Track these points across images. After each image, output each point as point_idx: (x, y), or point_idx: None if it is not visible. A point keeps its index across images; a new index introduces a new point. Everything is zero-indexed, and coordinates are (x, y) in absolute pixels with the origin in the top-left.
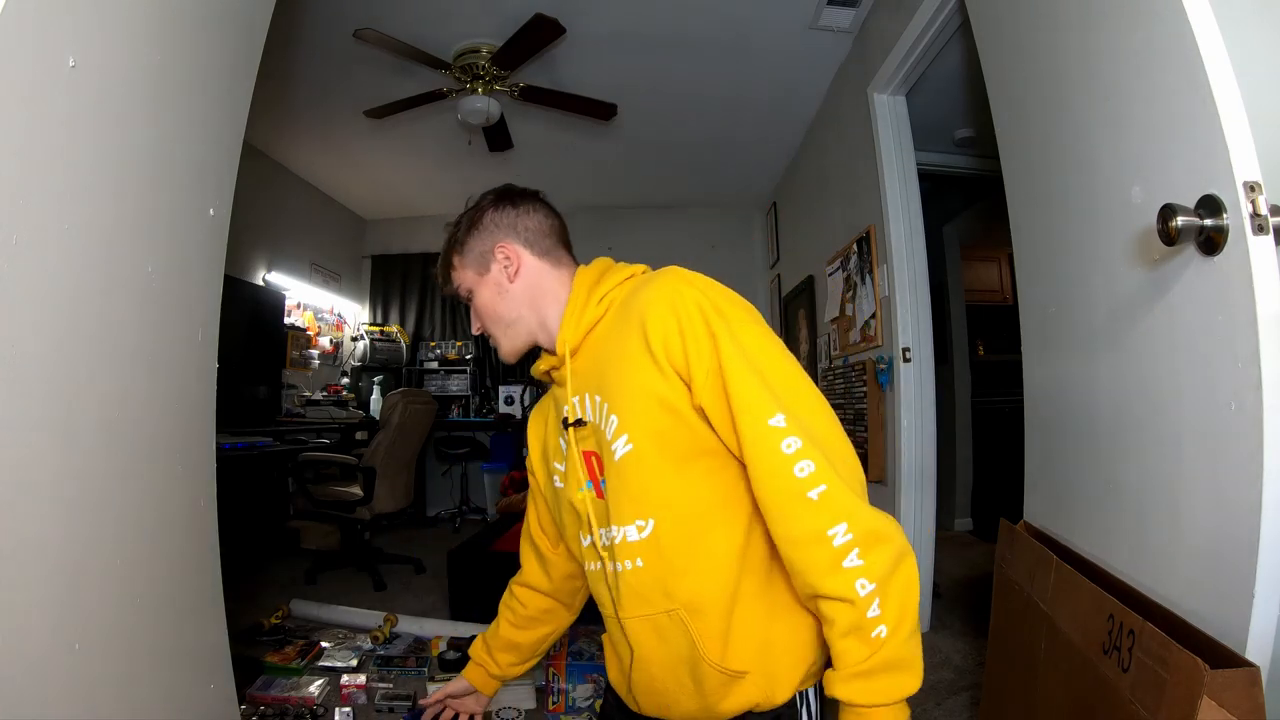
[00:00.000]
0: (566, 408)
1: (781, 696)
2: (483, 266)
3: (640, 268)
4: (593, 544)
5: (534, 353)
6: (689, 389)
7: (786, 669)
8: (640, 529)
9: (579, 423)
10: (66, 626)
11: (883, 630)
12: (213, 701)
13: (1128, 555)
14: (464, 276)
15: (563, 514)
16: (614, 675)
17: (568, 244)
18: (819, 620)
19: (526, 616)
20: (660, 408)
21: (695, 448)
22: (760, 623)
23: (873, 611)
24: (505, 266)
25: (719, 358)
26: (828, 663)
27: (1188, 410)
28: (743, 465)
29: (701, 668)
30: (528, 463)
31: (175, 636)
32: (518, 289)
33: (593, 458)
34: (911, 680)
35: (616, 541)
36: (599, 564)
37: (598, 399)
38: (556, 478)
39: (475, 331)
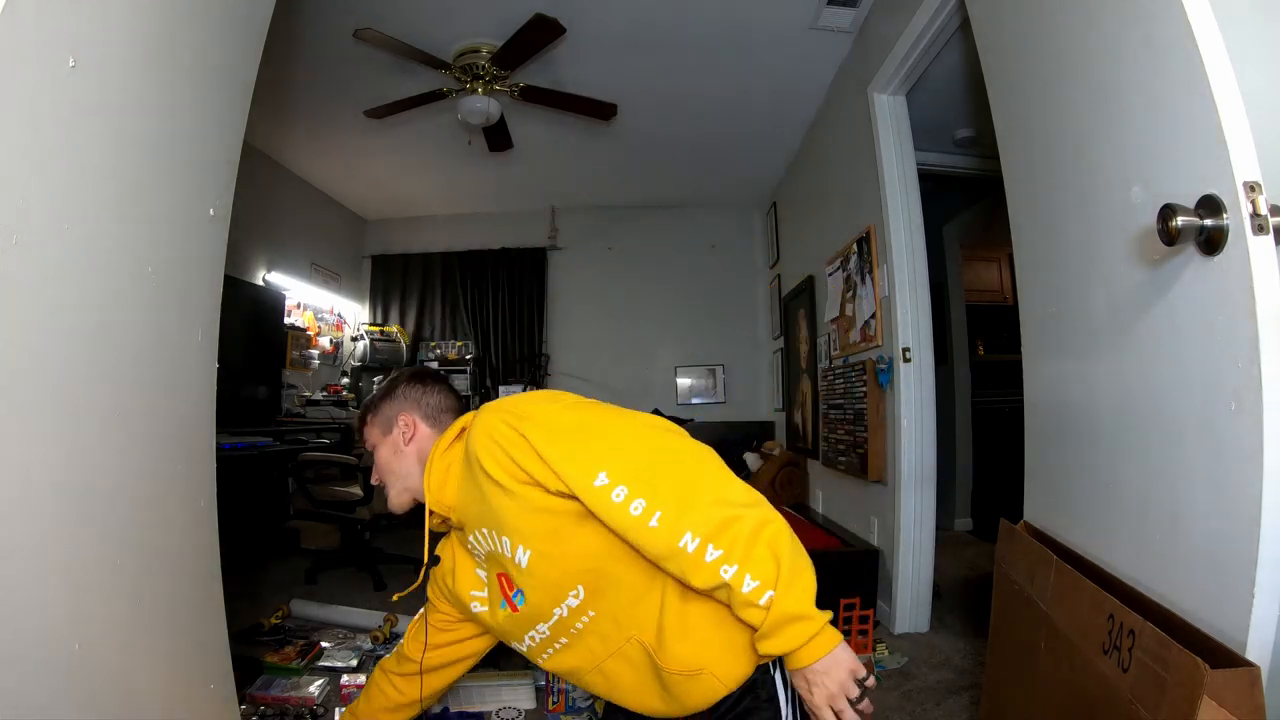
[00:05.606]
0: (476, 533)
1: (742, 675)
2: (386, 429)
3: (469, 416)
4: (530, 645)
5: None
6: (543, 487)
7: (737, 654)
8: (575, 595)
9: (434, 559)
10: (66, 626)
11: (770, 594)
12: (213, 701)
13: (1127, 555)
14: (369, 433)
15: (497, 630)
16: (599, 691)
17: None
18: None
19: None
20: (533, 514)
21: (575, 521)
22: (696, 625)
23: (747, 585)
24: (405, 432)
25: (537, 451)
26: None
27: (1188, 410)
28: None
29: (664, 677)
30: (433, 593)
31: (175, 636)
32: (410, 450)
33: (502, 578)
34: (811, 615)
35: (562, 617)
36: (550, 650)
37: (486, 530)
38: (477, 604)
39: (374, 482)
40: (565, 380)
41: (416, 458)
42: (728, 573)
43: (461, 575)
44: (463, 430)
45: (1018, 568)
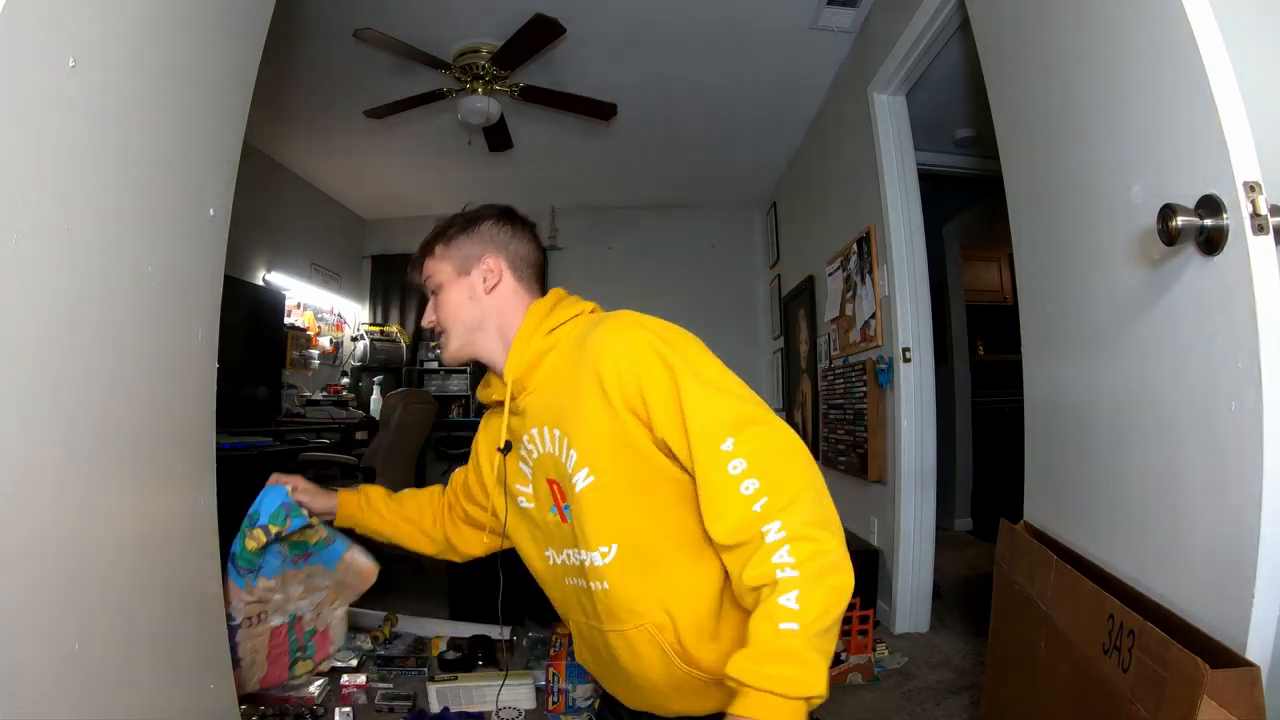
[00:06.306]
0: (537, 429)
1: None
2: (463, 268)
3: (590, 305)
4: (563, 563)
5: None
6: (648, 427)
7: None
8: (604, 554)
9: (507, 447)
10: (66, 626)
11: (794, 625)
12: (213, 701)
13: (1128, 555)
14: (438, 267)
15: (525, 530)
16: (588, 665)
17: (543, 280)
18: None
19: (419, 518)
20: (618, 445)
21: (653, 477)
22: (730, 631)
23: (787, 600)
24: (486, 277)
25: (677, 389)
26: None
27: (1187, 410)
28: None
29: (676, 674)
30: (472, 456)
31: (175, 636)
32: (489, 302)
33: (555, 485)
34: (809, 679)
35: (587, 565)
36: (575, 580)
37: (556, 433)
38: (524, 499)
39: (426, 324)
40: None
41: (496, 311)
42: (782, 574)
43: (509, 462)
44: (576, 317)
45: (1018, 568)
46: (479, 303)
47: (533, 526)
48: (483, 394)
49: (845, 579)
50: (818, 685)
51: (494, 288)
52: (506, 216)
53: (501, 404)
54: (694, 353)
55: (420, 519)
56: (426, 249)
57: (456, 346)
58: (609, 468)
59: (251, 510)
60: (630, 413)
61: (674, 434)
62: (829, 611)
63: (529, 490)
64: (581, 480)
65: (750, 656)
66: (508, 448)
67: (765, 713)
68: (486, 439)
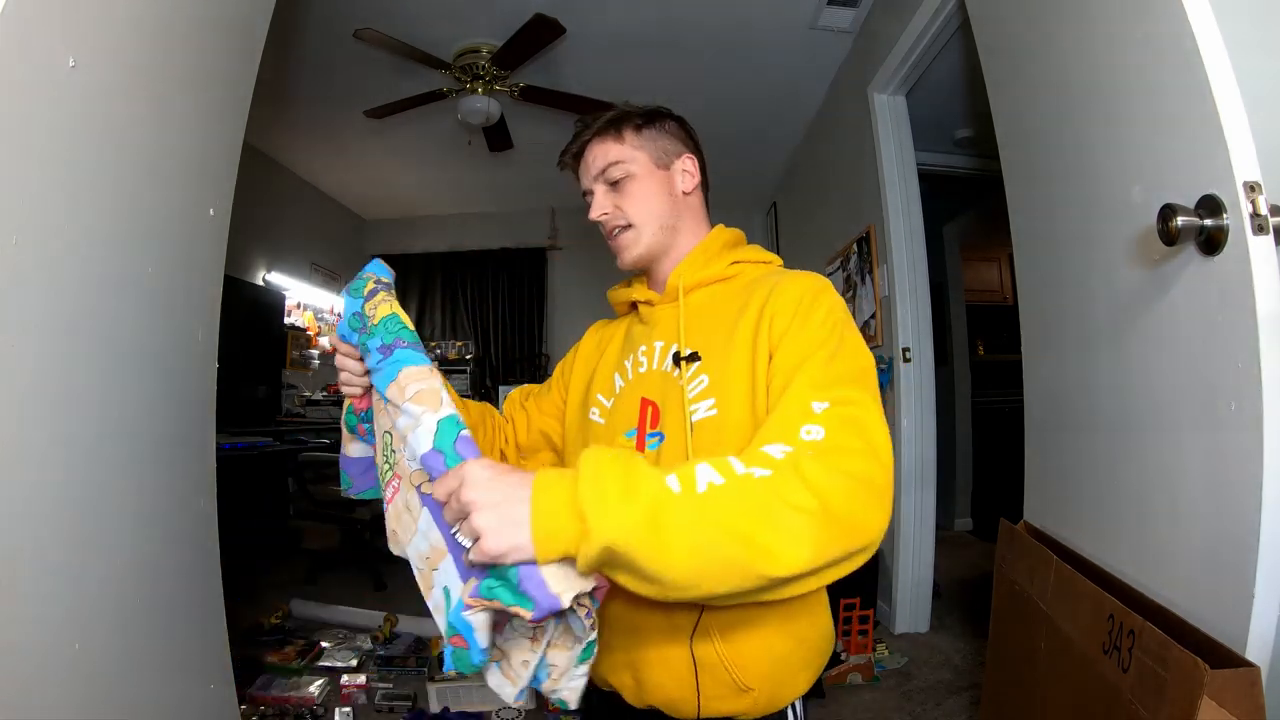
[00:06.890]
0: (675, 345)
1: (775, 708)
2: (661, 161)
3: (778, 259)
4: None
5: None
6: (753, 369)
7: (788, 689)
8: None
9: (693, 356)
10: (67, 626)
11: (675, 487)
12: (213, 701)
13: (1128, 555)
14: (630, 154)
15: (578, 446)
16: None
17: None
18: (818, 635)
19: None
20: (748, 380)
21: (747, 437)
22: (777, 639)
23: (705, 474)
24: (684, 177)
25: (820, 341)
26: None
27: (1187, 410)
28: None
29: (710, 659)
30: (562, 364)
31: (175, 636)
32: (684, 204)
33: (650, 408)
34: (605, 525)
35: None
36: None
37: (689, 352)
38: (596, 411)
39: (597, 217)
40: None
41: (688, 215)
42: (740, 465)
43: (603, 367)
44: (764, 263)
45: (1018, 568)
46: (675, 201)
47: (590, 444)
48: (620, 295)
49: (767, 550)
50: (606, 532)
51: (692, 189)
52: (685, 122)
53: (633, 307)
54: (853, 337)
55: (486, 429)
56: (610, 132)
57: (649, 243)
58: (732, 404)
59: (345, 313)
60: (767, 342)
61: (781, 377)
62: (712, 529)
63: (608, 404)
64: (704, 410)
65: (612, 456)
66: (693, 356)
67: (544, 509)
68: (594, 342)
